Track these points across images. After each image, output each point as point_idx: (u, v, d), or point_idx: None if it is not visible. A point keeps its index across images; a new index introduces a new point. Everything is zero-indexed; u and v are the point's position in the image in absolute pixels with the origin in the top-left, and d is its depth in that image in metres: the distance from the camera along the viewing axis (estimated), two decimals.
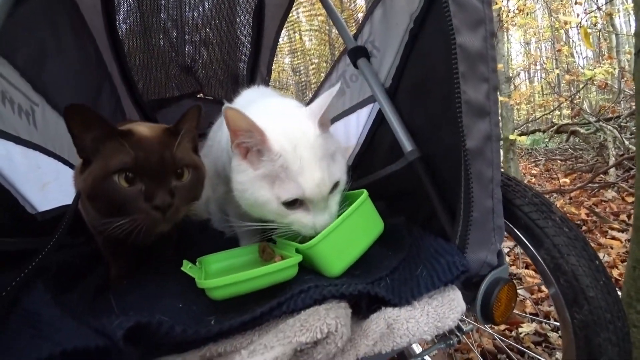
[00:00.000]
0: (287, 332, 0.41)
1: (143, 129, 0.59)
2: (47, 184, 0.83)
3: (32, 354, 0.35)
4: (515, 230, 0.68)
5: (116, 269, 0.69)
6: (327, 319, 0.42)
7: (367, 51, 0.97)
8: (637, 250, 0.83)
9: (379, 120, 0.95)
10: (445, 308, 0.51)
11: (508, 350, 1.10)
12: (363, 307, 0.51)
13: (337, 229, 0.56)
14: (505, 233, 0.69)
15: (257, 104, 0.69)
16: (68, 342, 0.36)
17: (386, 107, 0.85)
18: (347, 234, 0.58)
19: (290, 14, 1.59)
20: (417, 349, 1.08)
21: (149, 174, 0.54)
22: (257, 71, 1.62)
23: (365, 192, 0.64)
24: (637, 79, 0.81)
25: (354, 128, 1.09)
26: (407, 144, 0.78)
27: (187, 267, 0.59)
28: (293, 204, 0.57)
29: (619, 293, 0.91)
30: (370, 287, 0.51)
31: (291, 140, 0.56)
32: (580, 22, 3.21)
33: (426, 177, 0.72)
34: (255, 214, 0.61)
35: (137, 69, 1.44)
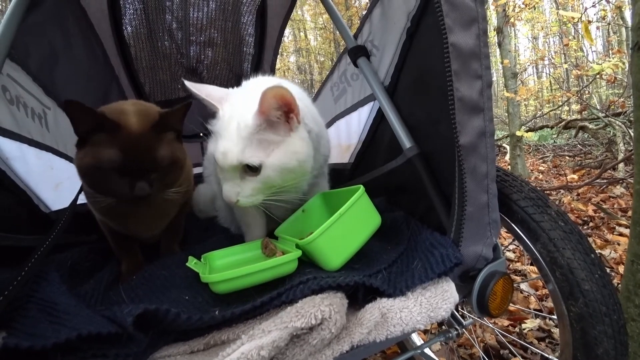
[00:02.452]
0: (283, 317, 0.44)
1: (133, 120, 0.62)
2: (60, 184, 0.86)
3: (50, 338, 0.38)
4: (513, 225, 0.69)
5: (126, 265, 0.72)
6: (321, 306, 0.44)
7: (367, 50, 0.98)
8: (636, 245, 0.84)
9: (380, 118, 0.96)
10: (438, 299, 0.53)
11: (510, 346, 1.11)
12: (360, 297, 0.53)
13: (334, 225, 0.58)
14: (503, 228, 0.70)
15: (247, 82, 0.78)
16: (83, 328, 0.38)
17: (385, 105, 0.86)
18: (345, 229, 0.59)
19: (295, 13, 1.61)
20: (419, 341, 1.10)
21: (134, 170, 0.61)
22: (260, 71, 1.64)
23: (361, 188, 0.65)
24: (635, 74, 0.81)
25: (355, 126, 1.11)
26: (406, 141, 0.79)
27: (192, 262, 0.62)
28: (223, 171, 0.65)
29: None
30: (367, 278, 0.53)
31: (233, 111, 0.65)
32: (581, 17, 3.15)
33: (424, 173, 0.73)
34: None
35: (143, 71, 1.46)
